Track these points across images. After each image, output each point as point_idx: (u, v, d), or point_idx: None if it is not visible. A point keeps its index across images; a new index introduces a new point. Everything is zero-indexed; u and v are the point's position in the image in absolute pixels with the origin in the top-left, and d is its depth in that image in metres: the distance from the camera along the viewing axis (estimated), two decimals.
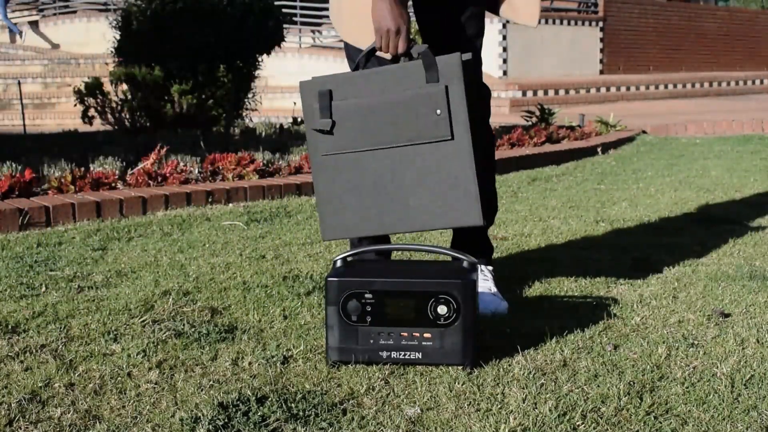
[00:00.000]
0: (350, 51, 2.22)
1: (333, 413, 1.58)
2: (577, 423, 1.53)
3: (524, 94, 11.97)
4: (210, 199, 3.99)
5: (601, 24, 15.14)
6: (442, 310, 1.79)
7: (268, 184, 4.23)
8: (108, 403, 1.64)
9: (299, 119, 7.42)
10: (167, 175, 4.21)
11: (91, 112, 6.67)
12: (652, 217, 3.61)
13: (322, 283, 2.51)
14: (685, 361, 1.84)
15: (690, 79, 14.62)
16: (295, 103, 10.01)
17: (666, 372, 1.77)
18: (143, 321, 2.14)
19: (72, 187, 3.89)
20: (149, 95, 6.51)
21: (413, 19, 2.34)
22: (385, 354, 1.81)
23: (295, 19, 15.05)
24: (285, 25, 7.39)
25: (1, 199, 3.67)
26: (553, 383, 1.72)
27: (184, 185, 4.13)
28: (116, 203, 3.70)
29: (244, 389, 1.70)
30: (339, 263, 1.93)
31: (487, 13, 2.30)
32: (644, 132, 7.94)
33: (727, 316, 2.17)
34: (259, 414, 1.57)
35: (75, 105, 6.83)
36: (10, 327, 2.11)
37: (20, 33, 17.08)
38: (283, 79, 13.67)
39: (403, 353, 1.80)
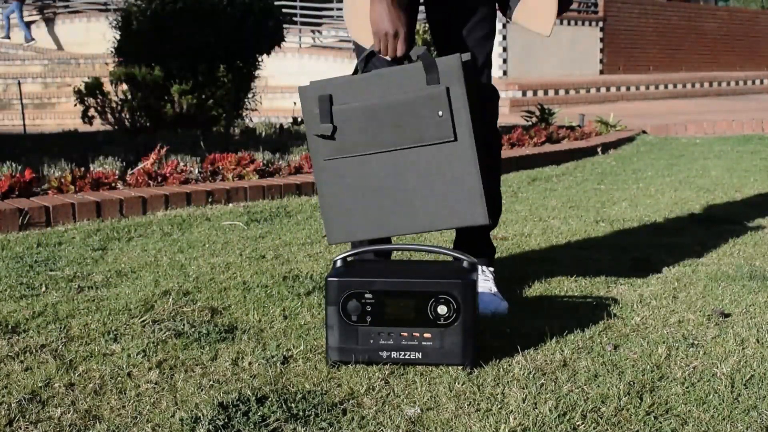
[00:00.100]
0: (360, 51, 2.21)
1: (333, 413, 1.58)
2: (577, 423, 1.53)
3: (524, 94, 11.97)
4: (210, 199, 4.00)
5: (601, 24, 15.15)
6: (442, 310, 1.79)
7: (268, 184, 4.23)
8: (108, 403, 1.64)
9: (299, 119, 7.41)
10: (167, 175, 4.21)
11: (91, 112, 6.67)
12: (652, 217, 3.61)
13: (322, 283, 2.51)
14: (685, 361, 1.84)
15: (690, 79, 14.62)
16: (295, 103, 10.01)
17: (666, 372, 1.77)
18: (143, 321, 2.14)
19: (72, 187, 3.89)
20: (149, 95, 6.51)
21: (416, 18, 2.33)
22: (385, 354, 1.81)
23: (295, 19, 15.05)
24: (285, 25, 7.39)
25: (1, 199, 3.67)
26: (553, 383, 1.72)
27: (184, 185, 4.13)
28: (116, 203, 3.70)
29: (244, 389, 1.70)
30: (339, 263, 1.93)
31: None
32: (644, 132, 7.95)
33: (727, 316, 2.17)
34: (259, 414, 1.57)
35: (75, 105, 6.83)
36: (10, 327, 2.11)
37: (32, 39, 17.05)
38: (283, 79, 13.67)
39: (403, 353, 1.81)
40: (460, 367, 1.80)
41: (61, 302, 2.33)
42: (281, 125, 7.16)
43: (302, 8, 15.62)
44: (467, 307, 1.79)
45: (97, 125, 7.01)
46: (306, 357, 1.89)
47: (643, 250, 2.96)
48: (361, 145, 1.97)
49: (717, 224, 3.42)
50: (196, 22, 6.54)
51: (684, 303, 2.29)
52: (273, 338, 2.01)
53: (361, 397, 1.66)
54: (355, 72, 2.02)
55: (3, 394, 1.68)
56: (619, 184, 4.73)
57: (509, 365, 1.82)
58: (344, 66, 13.68)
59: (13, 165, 4.25)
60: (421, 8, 2.30)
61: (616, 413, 1.58)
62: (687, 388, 1.69)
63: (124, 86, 6.64)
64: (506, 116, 10.25)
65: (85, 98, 6.59)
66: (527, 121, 7.72)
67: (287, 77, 13.73)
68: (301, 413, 1.58)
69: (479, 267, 2.32)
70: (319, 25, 16.41)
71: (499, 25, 12.95)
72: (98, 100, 6.61)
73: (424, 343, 1.80)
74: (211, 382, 1.74)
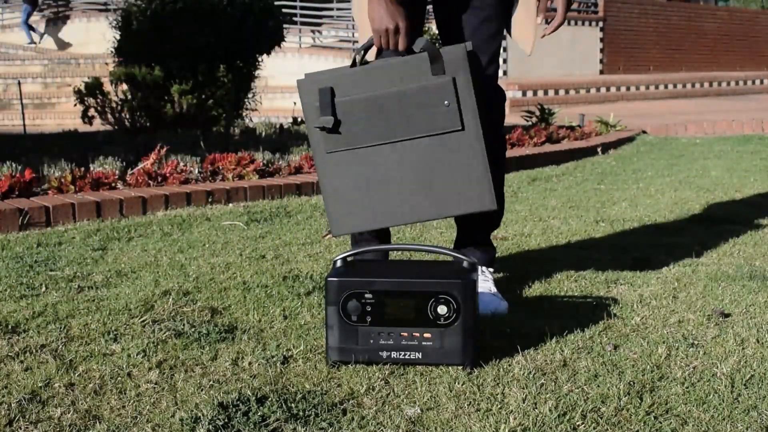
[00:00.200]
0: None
1: (333, 413, 1.58)
2: (577, 423, 1.53)
3: (524, 94, 11.97)
4: (210, 199, 4.00)
5: (601, 24, 15.15)
6: (442, 310, 1.79)
7: (268, 184, 4.24)
8: (108, 403, 1.64)
9: (299, 119, 7.41)
10: (167, 175, 4.21)
11: (91, 112, 6.67)
12: (652, 217, 3.62)
13: (322, 283, 2.51)
14: (685, 361, 1.84)
15: (690, 79, 14.62)
16: (295, 103, 10.01)
17: (666, 372, 1.77)
18: (143, 321, 2.14)
19: (72, 187, 3.90)
20: (149, 95, 6.51)
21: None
22: (385, 354, 1.81)
23: (295, 19, 15.05)
24: (285, 25, 7.39)
25: (1, 199, 3.67)
26: (553, 383, 1.72)
27: (184, 185, 4.13)
28: (116, 203, 3.70)
29: (244, 389, 1.70)
30: (339, 263, 1.93)
31: None
32: (644, 132, 7.95)
33: (727, 316, 2.17)
34: (259, 414, 1.57)
35: (75, 105, 6.83)
36: (10, 327, 2.11)
37: (33, 43, 17.03)
38: (283, 79, 13.66)
39: (403, 353, 1.80)
40: (460, 367, 1.80)
41: (61, 302, 2.33)
42: (281, 125, 7.16)
43: (302, 8, 15.62)
44: (467, 307, 1.79)
45: (97, 125, 7.01)
46: (306, 357, 1.89)
47: (643, 250, 2.96)
48: (365, 137, 1.97)
49: (717, 224, 3.42)
50: (196, 22, 6.54)
51: (684, 303, 2.29)
52: (273, 338, 2.01)
53: (361, 397, 1.66)
54: (353, 64, 2.01)
55: (3, 394, 1.68)
56: (619, 184, 4.73)
57: (509, 365, 1.82)
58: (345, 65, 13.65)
59: (13, 165, 4.25)
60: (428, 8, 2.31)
61: (616, 413, 1.58)
62: (687, 388, 1.69)
63: (124, 86, 6.64)
64: (506, 116, 10.24)
65: (85, 98, 6.60)
66: (527, 121, 7.72)
67: (287, 77, 13.71)
68: (301, 413, 1.58)
69: (479, 267, 2.32)
70: (319, 25, 16.41)
71: None
72: (98, 100, 6.61)
73: (424, 343, 1.80)
74: (211, 382, 1.74)
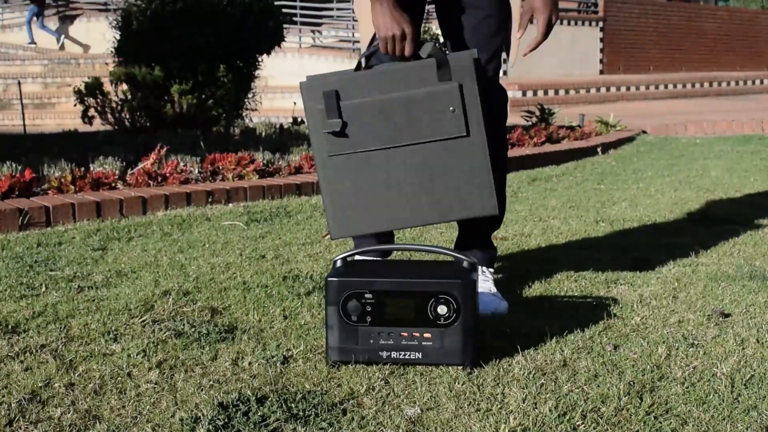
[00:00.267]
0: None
1: (333, 413, 1.58)
2: (577, 423, 1.53)
3: (524, 94, 11.97)
4: (210, 199, 4.00)
5: (601, 24, 15.15)
6: (442, 310, 1.79)
7: (268, 184, 4.24)
8: (108, 403, 1.64)
9: (299, 119, 7.41)
10: (167, 175, 4.21)
11: (91, 112, 6.67)
12: (652, 217, 3.62)
13: (322, 283, 2.51)
14: (685, 361, 1.84)
15: (690, 79, 14.62)
16: (295, 103, 10.01)
17: (666, 372, 1.77)
18: (143, 321, 2.14)
19: (72, 187, 3.89)
20: (149, 95, 6.51)
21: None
22: (385, 354, 1.81)
23: (295, 19, 15.05)
24: (285, 25, 7.39)
25: (1, 199, 3.67)
26: (553, 383, 1.72)
27: (184, 185, 4.13)
28: (116, 203, 3.70)
29: (244, 389, 1.70)
30: (339, 263, 1.93)
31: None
32: (644, 132, 7.95)
33: (727, 316, 2.17)
34: (259, 414, 1.57)
35: (75, 105, 6.83)
36: (10, 327, 2.11)
37: (34, 43, 16.99)
38: (283, 79, 13.66)
39: (403, 353, 1.80)
40: (460, 367, 1.80)
41: (61, 302, 2.33)
42: (281, 125, 7.16)
43: (302, 8, 15.62)
44: (467, 307, 1.79)
45: (97, 125, 7.01)
46: (306, 357, 1.89)
47: (643, 250, 2.96)
48: (369, 141, 1.97)
49: (717, 224, 3.42)
50: (196, 22, 6.54)
51: (684, 303, 2.29)
52: (273, 338, 2.01)
53: (361, 397, 1.66)
54: (358, 68, 2.01)
55: (3, 394, 1.68)
56: (619, 184, 4.73)
57: (509, 365, 1.82)
58: (344, 66, 13.67)
59: (13, 165, 4.25)
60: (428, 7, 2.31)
61: (616, 413, 1.58)
62: (687, 388, 1.69)
63: (124, 86, 6.64)
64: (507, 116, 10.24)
65: (85, 98, 6.59)
66: (527, 121, 7.72)
67: (287, 77, 13.73)
68: (301, 413, 1.58)
69: (479, 267, 2.32)
70: (319, 25, 16.41)
71: None
72: (98, 100, 6.61)
73: (424, 343, 1.80)
74: (211, 382, 1.74)
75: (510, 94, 11.75)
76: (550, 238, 3.21)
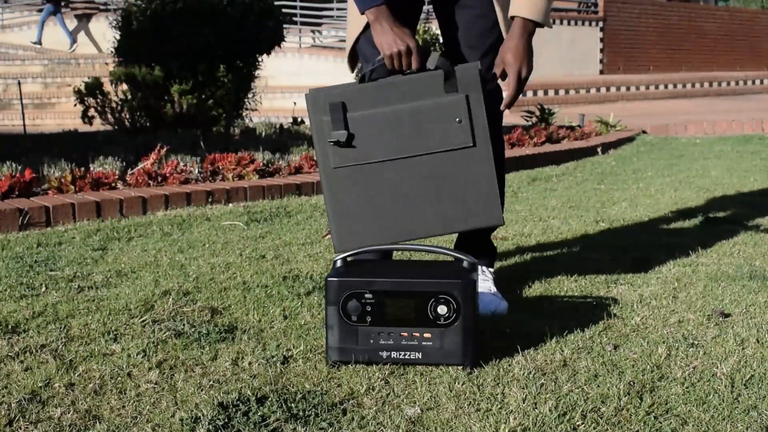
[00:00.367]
0: (366, 52, 2.20)
1: (333, 413, 1.58)
2: (577, 423, 1.53)
3: (524, 94, 11.96)
4: (210, 199, 3.99)
5: (601, 24, 15.15)
6: (442, 310, 1.79)
7: (268, 184, 4.23)
8: (108, 403, 1.64)
9: (299, 119, 7.42)
10: (167, 175, 4.21)
11: (91, 112, 6.66)
12: (652, 217, 3.61)
13: (322, 283, 2.51)
14: (685, 361, 1.84)
15: (690, 79, 14.62)
16: (295, 103, 10.01)
17: (666, 372, 1.77)
18: (143, 321, 2.14)
19: (72, 187, 3.89)
20: (149, 95, 6.51)
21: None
22: (385, 354, 1.81)
23: (295, 19, 15.05)
24: (285, 25, 7.38)
25: (1, 199, 3.67)
26: (553, 383, 1.72)
27: (184, 185, 4.13)
28: (116, 203, 3.70)
29: (244, 389, 1.70)
30: (339, 263, 1.93)
31: None
32: (644, 132, 7.95)
33: (727, 316, 2.17)
34: (259, 414, 1.57)
35: (75, 105, 6.83)
36: (10, 327, 2.11)
37: (39, 43, 16.94)
38: (283, 79, 13.66)
39: (403, 353, 1.81)
40: (460, 367, 1.80)
41: (61, 302, 2.33)
42: (281, 125, 7.16)
43: (302, 8, 15.62)
44: (467, 307, 1.79)
45: (97, 125, 7.00)
46: (306, 357, 1.89)
47: (643, 250, 2.96)
48: (376, 152, 1.98)
49: (717, 224, 3.42)
50: (196, 22, 6.54)
51: (684, 303, 2.29)
52: (273, 338, 2.01)
53: (361, 397, 1.66)
54: (362, 80, 2.01)
55: (3, 394, 1.68)
56: (619, 184, 4.73)
57: (509, 365, 1.82)
58: (344, 66, 13.66)
59: (13, 165, 4.25)
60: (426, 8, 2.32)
61: (616, 413, 1.58)
62: (687, 388, 1.69)
63: (124, 86, 6.64)
64: (506, 116, 10.24)
65: (85, 98, 6.59)
66: (527, 121, 7.72)
67: (287, 77, 13.73)
68: (301, 413, 1.58)
69: (479, 267, 2.32)
70: (319, 25, 16.41)
71: None
72: (98, 100, 6.61)
73: (424, 343, 1.80)
74: (211, 382, 1.74)
75: None
76: (550, 238, 3.21)
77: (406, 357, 1.80)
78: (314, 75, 13.27)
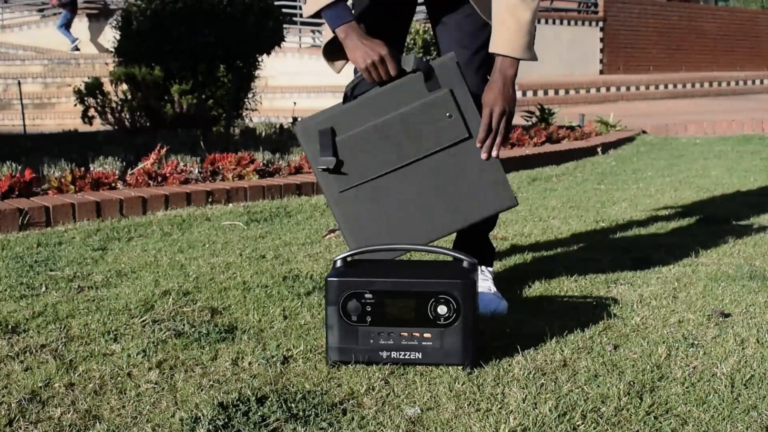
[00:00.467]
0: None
1: (333, 413, 1.58)
2: (577, 423, 1.53)
3: (524, 94, 11.97)
4: (210, 199, 4.00)
5: (601, 24, 15.15)
6: (442, 310, 1.79)
7: (268, 184, 4.23)
8: (108, 403, 1.64)
9: (299, 119, 7.42)
10: (167, 175, 4.21)
11: (91, 112, 6.67)
12: (652, 217, 3.61)
13: (322, 283, 2.51)
14: (685, 361, 1.84)
15: (690, 79, 14.61)
16: (295, 103, 10.00)
17: (666, 372, 1.77)
18: (143, 321, 2.14)
19: (72, 187, 3.90)
20: (149, 95, 6.51)
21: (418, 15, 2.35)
22: (385, 354, 1.81)
23: (295, 19, 15.04)
24: (285, 25, 7.39)
25: (1, 199, 3.67)
26: (553, 383, 1.72)
27: (184, 185, 4.13)
28: (116, 203, 3.70)
29: (244, 389, 1.70)
30: (339, 263, 1.93)
31: None
32: (644, 132, 7.95)
33: (727, 316, 2.17)
34: (259, 414, 1.57)
35: (75, 105, 6.83)
36: (10, 327, 2.11)
37: (76, 46, 16.88)
38: (283, 79, 13.66)
39: (403, 353, 1.80)
40: (460, 367, 1.80)
41: (61, 302, 2.33)
42: (281, 125, 7.16)
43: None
44: (467, 307, 1.79)
45: (97, 125, 7.01)
46: (306, 357, 1.89)
47: (643, 250, 2.96)
48: (376, 167, 1.99)
49: (717, 224, 3.42)
50: (196, 22, 6.54)
51: (684, 303, 2.29)
52: (273, 338, 2.01)
53: (361, 397, 1.66)
54: (345, 99, 2.01)
55: (3, 394, 1.68)
56: (619, 184, 4.73)
57: (509, 365, 1.82)
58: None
59: (13, 165, 4.25)
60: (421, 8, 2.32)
61: (616, 413, 1.58)
62: (687, 388, 1.69)
63: (124, 86, 6.64)
64: None
65: (85, 98, 6.60)
66: (527, 121, 7.72)
67: (287, 77, 13.73)
68: (301, 413, 1.58)
69: (478, 267, 2.31)
70: (319, 25, 16.39)
71: None
72: (98, 100, 6.61)
73: (424, 343, 1.80)
74: (211, 382, 1.74)
75: None
76: (550, 238, 3.21)
77: (406, 357, 1.80)
78: (314, 75, 13.27)
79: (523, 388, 1.69)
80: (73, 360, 1.88)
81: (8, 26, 18.43)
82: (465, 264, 1.88)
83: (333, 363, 1.82)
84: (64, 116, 12.64)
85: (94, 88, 6.57)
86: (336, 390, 1.70)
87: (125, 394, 1.69)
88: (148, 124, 6.63)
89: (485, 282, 2.30)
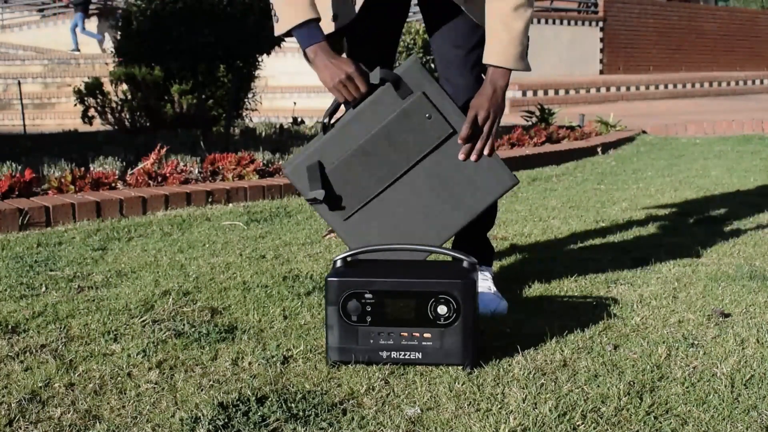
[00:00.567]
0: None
1: (333, 413, 1.58)
2: (577, 423, 1.53)
3: (524, 94, 11.97)
4: (210, 199, 4.00)
5: (601, 24, 15.15)
6: (442, 310, 1.79)
7: (268, 184, 4.24)
8: (108, 403, 1.64)
9: (299, 119, 7.42)
10: (167, 175, 4.21)
11: (91, 112, 6.67)
12: (652, 217, 3.62)
13: (322, 283, 2.51)
14: (685, 361, 1.84)
15: (690, 79, 14.62)
16: (295, 103, 10.01)
17: (666, 372, 1.77)
18: (143, 321, 2.14)
19: (72, 187, 3.90)
20: (149, 95, 6.51)
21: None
22: (385, 354, 1.81)
23: None
24: None
25: (1, 199, 3.67)
26: (553, 383, 1.72)
27: (184, 185, 4.13)
28: (116, 203, 3.70)
29: (244, 389, 1.70)
30: (339, 263, 1.93)
31: None
32: (644, 132, 7.95)
33: (727, 316, 2.17)
34: (259, 414, 1.57)
35: (75, 105, 6.83)
36: (10, 327, 2.11)
37: (78, 50, 16.83)
38: (283, 79, 13.66)
39: (403, 353, 1.80)
40: (460, 367, 1.80)
41: (61, 302, 2.33)
42: (281, 125, 7.16)
43: None
44: (467, 307, 1.79)
45: (97, 125, 7.01)
46: (306, 357, 1.89)
47: (643, 250, 2.96)
48: (372, 187, 2.02)
49: (717, 224, 3.42)
50: (196, 22, 6.55)
51: (684, 303, 2.29)
52: (273, 338, 2.01)
53: (361, 397, 1.66)
54: (325, 129, 2.02)
55: (3, 394, 1.68)
56: (619, 184, 4.73)
57: (509, 365, 1.82)
58: None
59: (13, 165, 4.25)
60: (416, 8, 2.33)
61: (616, 413, 1.58)
62: (687, 388, 1.69)
63: (124, 86, 6.64)
64: (506, 116, 10.24)
65: (85, 98, 6.60)
66: (527, 121, 7.72)
67: (287, 77, 13.73)
68: (301, 413, 1.58)
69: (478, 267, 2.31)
70: None
71: None
72: (98, 100, 6.61)
73: (424, 343, 1.80)
74: (211, 382, 1.74)
75: (510, 94, 11.80)
76: (550, 238, 3.21)
77: (406, 357, 1.80)
78: (314, 75, 13.20)
79: (523, 388, 1.69)
80: (73, 360, 1.88)
81: (8, 26, 18.45)
82: (465, 264, 1.88)
83: (333, 363, 1.82)
84: (64, 116, 12.65)
85: (94, 88, 6.58)
86: (336, 390, 1.70)
87: (125, 394, 1.69)
88: (148, 124, 6.63)
89: (485, 282, 2.30)
